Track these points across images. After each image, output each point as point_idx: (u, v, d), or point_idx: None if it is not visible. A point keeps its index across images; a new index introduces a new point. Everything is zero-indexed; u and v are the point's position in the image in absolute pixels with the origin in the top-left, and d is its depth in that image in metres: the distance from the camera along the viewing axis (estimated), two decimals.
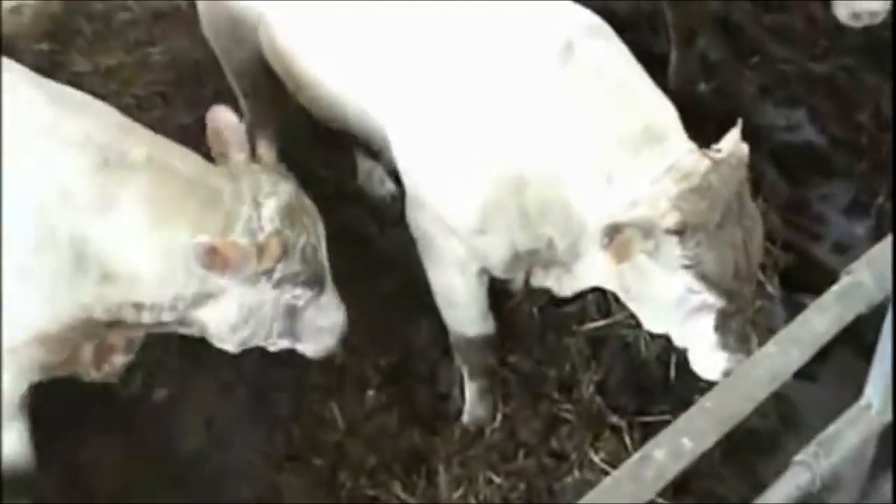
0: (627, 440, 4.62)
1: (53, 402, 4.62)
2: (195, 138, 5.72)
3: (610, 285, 4.17)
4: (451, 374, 4.92)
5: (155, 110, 6.13)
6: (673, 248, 3.81)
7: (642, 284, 3.96)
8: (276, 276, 3.92)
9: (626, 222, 3.78)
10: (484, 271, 4.39)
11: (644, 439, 4.41)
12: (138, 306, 3.93)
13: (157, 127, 5.57)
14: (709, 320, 3.97)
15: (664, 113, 4.04)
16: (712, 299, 3.91)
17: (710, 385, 4.68)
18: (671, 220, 3.74)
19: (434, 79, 4.17)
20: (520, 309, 5.07)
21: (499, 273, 4.38)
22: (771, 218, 5.47)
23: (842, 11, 5.10)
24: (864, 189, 5.83)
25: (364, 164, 5.50)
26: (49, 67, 6.08)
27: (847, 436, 3.51)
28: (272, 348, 4.23)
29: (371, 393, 4.88)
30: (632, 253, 3.82)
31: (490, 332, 4.63)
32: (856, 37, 6.02)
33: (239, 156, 4.00)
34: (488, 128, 4.07)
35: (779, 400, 4.76)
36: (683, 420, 2.87)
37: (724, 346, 4.00)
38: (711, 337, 3.99)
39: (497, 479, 4.52)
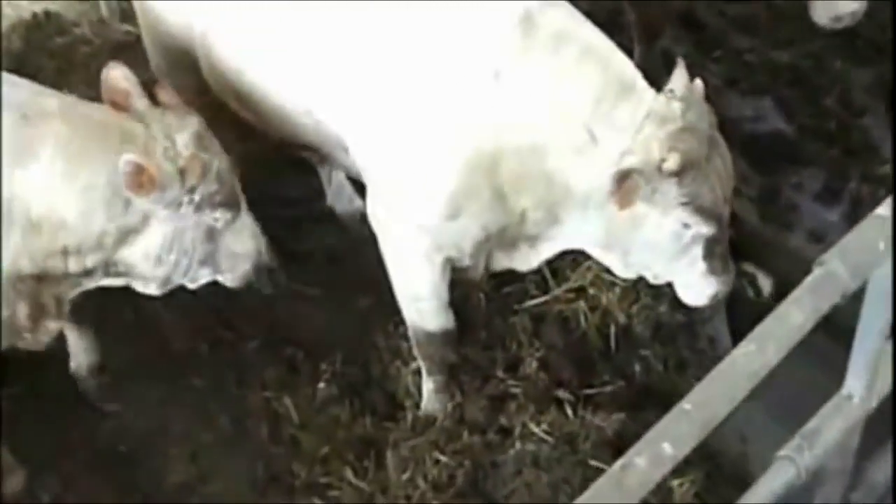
0: (569, 411, 4.68)
1: (36, 439, 4.72)
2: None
3: (591, 242, 4.32)
4: (403, 377, 4.98)
5: None
6: (671, 189, 3.99)
7: (635, 230, 4.14)
8: (196, 198, 4.11)
9: (630, 168, 3.92)
10: (448, 262, 4.42)
11: (587, 409, 4.65)
12: (65, 252, 4.08)
13: None
14: (697, 250, 4.19)
15: (629, 66, 4.15)
16: (705, 229, 4.11)
17: (650, 352, 4.95)
18: (673, 162, 3.92)
19: (389, 69, 4.17)
20: (469, 297, 5.09)
21: (466, 259, 4.43)
22: (745, 208, 5.49)
23: (820, 14, 5.07)
24: (835, 175, 5.83)
25: (332, 183, 5.46)
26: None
27: (830, 428, 3.48)
28: (192, 285, 4.39)
29: (322, 386, 4.93)
30: (634, 199, 3.97)
31: (450, 327, 4.65)
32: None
33: (140, 102, 4.13)
34: (452, 112, 4.09)
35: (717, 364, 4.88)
36: (663, 424, 2.83)
37: (713, 271, 4.25)
38: (701, 265, 4.23)
39: (444, 459, 4.56)
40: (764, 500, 3.33)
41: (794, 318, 3.06)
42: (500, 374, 4.89)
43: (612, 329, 5.02)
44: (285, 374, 5.04)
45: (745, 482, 4.35)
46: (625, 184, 3.92)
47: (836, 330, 3.47)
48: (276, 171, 5.42)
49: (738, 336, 4.89)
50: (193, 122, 4.14)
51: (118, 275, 4.27)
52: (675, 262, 4.24)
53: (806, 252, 5.22)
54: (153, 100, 4.17)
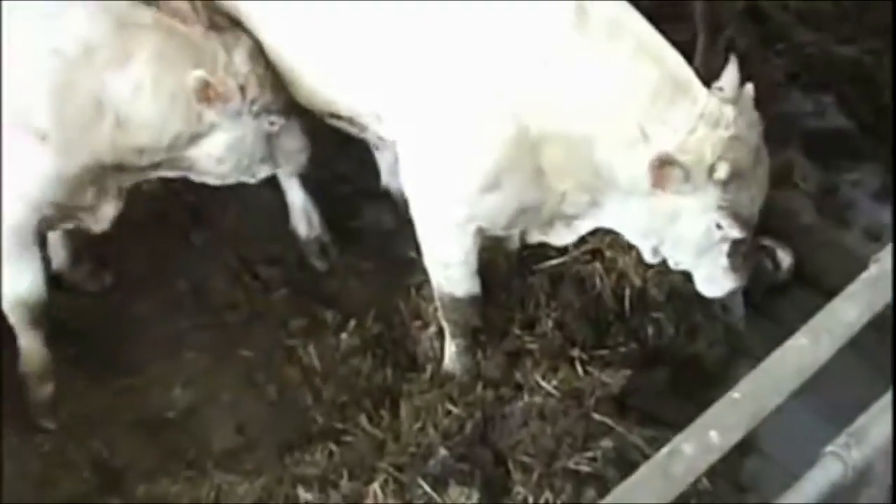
0: (580, 369, 4.76)
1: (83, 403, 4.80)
2: None
3: (626, 227, 4.43)
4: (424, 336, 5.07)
5: None
6: (714, 192, 4.08)
7: (671, 223, 4.23)
8: (255, 108, 4.54)
9: (678, 160, 3.98)
10: (480, 231, 4.48)
11: (597, 367, 4.74)
12: (141, 150, 4.50)
13: None
14: (724, 248, 4.27)
15: (683, 64, 4.19)
16: (736, 233, 4.21)
17: (663, 315, 5.01)
18: (723, 171, 4.00)
19: (442, 47, 4.22)
20: (492, 260, 5.13)
21: (498, 231, 4.52)
22: (803, 204, 5.47)
23: None
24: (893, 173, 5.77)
25: (386, 161, 5.50)
26: None
27: (878, 427, 3.45)
28: (252, 180, 4.81)
29: (345, 337, 5.06)
30: (669, 186, 4.03)
31: (477, 292, 4.71)
32: (882, 19, 5.97)
33: (199, 23, 4.47)
34: (500, 90, 4.15)
35: (728, 332, 5.04)
36: (711, 413, 2.83)
37: (734, 268, 4.34)
38: (724, 261, 4.32)
39: (455, 410, 4.65)
40: (810, 496, 3.30)
41: (847, 313, 3.05)
42: (516, 331, 4.97)
43: (627, 292, 5.08)
44: (311, 325, 5.18)
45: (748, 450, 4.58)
46: (664, 168, 3.99)
47: (886, 328, 3.46)
48: (332, 149, 5.47)
49: (751, 306, 5.04)
50: (246, 41, 4.52)
51: (180, 169, 4.70)
52: (700, 257, 4.34)
53: (861, 249, 5.18)
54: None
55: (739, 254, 4.31)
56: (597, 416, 4.49)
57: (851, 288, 3.10)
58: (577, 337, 4.92)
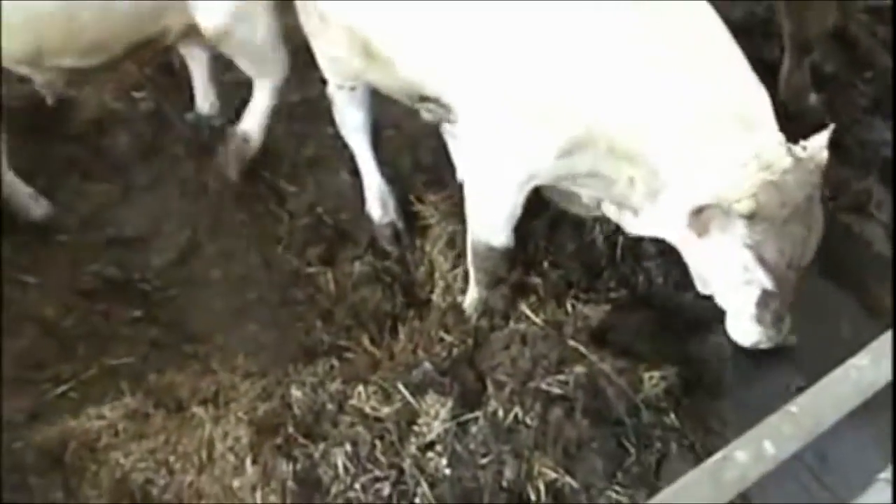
0: (568, 305, 4.89)
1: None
2: (301, 118, 5.89)
3: (672, 235, 4.41)
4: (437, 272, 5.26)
5: None
6: (741, 228, 4.10)
7: (706, 250, 4.25)
8: None
9: (708, 204, 4.07)
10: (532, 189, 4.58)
11: (583, 304, 4.88)
12: None
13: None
14: (753, 294, 4.29)
15: (758, 99, 4.21)
16: (763, 280, 4.20)
17: (653, 265, 5.15)
18: (744, 207, 4.03)
19: (533, 25, 4.26)
20: None
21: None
22: (875, 233, 5.46)
23: None
24: None
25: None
26: None
27: None
28: None
29: (358, 266, 5.31)
30: (710, 228, 4.13)
31: (511, 245, 4.78)
32: None
33: None
34: (584, 76, 4.19)
35: None
36: (767, 423, 2.85)
37: (760, 320, 4.35)
38: (751, 309, 4.33)
39: (448, 338, 4.82)
40: None
41: None
42: (517, 271, 5.07)
43: (620, 240, 5.19)
44: (327, 253, 5.41)
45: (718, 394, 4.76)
46: (702, 215, 4.10)
47: None
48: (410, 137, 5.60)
49: None
50: None
51: None
52: (729, 292, 4.36)
53: None
54: None
55: (769, 309, 4.29)
56: (572, 344, 4.64)
57: None
58: (571, 278, 5.07)
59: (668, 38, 4.17)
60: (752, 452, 2.80)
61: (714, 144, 4.09)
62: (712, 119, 4.11)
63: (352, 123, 5.46)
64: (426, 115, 4.87)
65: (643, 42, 4.16)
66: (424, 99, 4.77)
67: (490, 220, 4.71)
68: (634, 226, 4.55)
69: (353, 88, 5.30)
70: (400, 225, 5.48)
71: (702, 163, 4.11)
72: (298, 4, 5.08)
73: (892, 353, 3.07)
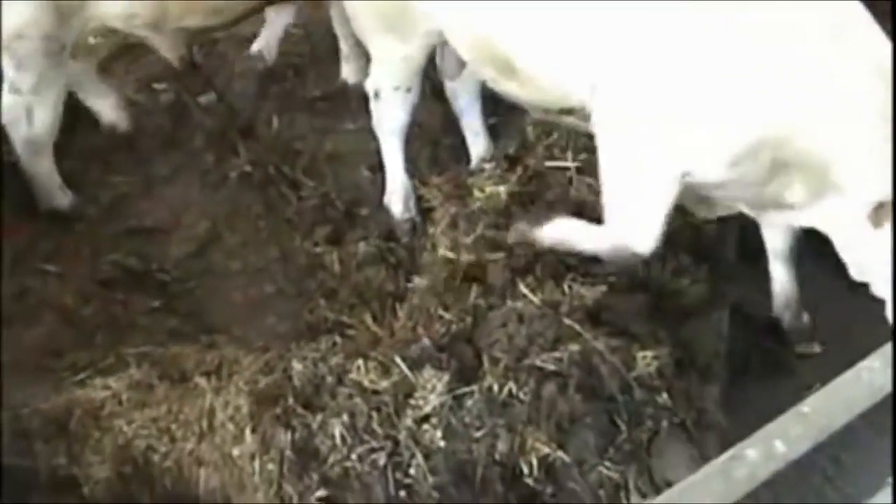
0: (565, 287, 4.90)
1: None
2: (322, 113, 5.92)
3: (833, 230, 4.49)
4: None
5: (285, 82, 6.28)
6: None
7: (877, 241, 4.31)
8: None
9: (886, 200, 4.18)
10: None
11: (580, 285, 4.89)
12: None
13: (283, 98, 5.85)
14: None
15: None
16: None
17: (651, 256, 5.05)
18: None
19: (703, 33, 4.25)
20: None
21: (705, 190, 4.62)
22: None
23: None
24: None
25: None
26: None
27: None
28: None
29: (363, 246, 5.42)
30: (884, 222, 4.23)
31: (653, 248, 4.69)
32: None
33: None
34: (755, 87, 4.19)
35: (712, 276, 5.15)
36: (778, 423, 2.87)
37: None
38: None
39: (447, 315, 4.88)
40: None
41: None
42: (518, 251, 5.11)
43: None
44: (334, 234, 5.52)
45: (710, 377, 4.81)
46: (879, 210, 4.20)
47: None
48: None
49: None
50: None
51: None
52: (882, 273, 4.38)
53: None
54: None
55: None
56: (568, 322, 4.68)
57: None
58: (569, 261, 5.07)
59: (836, 38, 4.20)
60: (763, 451, 2.81)
61: (886, 142, 4.15)
62: (884, 117, 4.15)
63: (393, 125, 5.44)
64: (560, 122, 4.90)
65: (814, 42, 4.18)
66: (566, 110, 4.76)
67: (640, 224, 4.61)
68: (776, 218, 4.63)
69: (409, 90, 5.29)
70: (418, 220, 5.53)
71: (876, 160, 4.17)
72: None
73: (892, 358, 3.10)
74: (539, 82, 4.68)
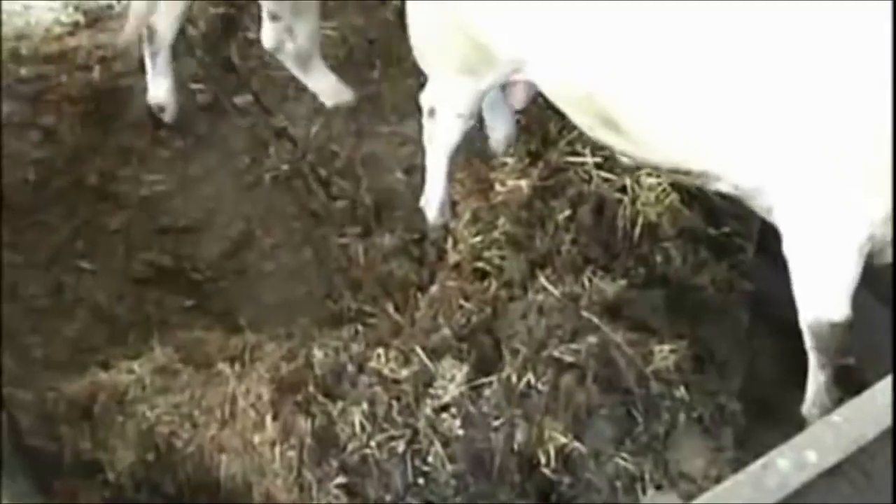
0: (585, 280, 4.94)
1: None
2: (359, 115, 5.95)
3: None
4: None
5: None
6: None
7: None
8: None
9: None
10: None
11: (600, 279, 4.94)
12: None
13: (316, 101, 5.88)
14: None
15: None
16: None
17: (672, 245, 5.17)
18: None
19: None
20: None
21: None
22: None
23: None
24: None
25: None
26: (222, 31, 6.41)
27: None
28: None
29: (388, 238, 5.48)
30: None
31: (851, 315, 4.47)
32: None
33: None
34: None
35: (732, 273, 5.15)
36: (809, 432, 2.90)
37: None
38: None
39: (467, 305, 4.94)
40: None
41: None
42: (538, 245, 5.15)
43: (640, 220, 5.23)
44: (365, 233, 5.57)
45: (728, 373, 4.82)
46: None
47: None
48: None
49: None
50: None
51: None
52: None
53: None
54: None
55: None
56: (587, 315, 4.73)
57: None
58: (590, 255, 5.14)
59: None
60: (794, 460, 2.84)
61: None
62: None
63: (446, 146, 5.30)
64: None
65: None
66: (686, 173, 4.66)
67: (831, 292, 4.42)
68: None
69: (471, 117, 5.17)
70: (451, 225, 5.46)
71: None
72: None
73: (892, 368, 3.14)
74: (651, 147, 4.52)
